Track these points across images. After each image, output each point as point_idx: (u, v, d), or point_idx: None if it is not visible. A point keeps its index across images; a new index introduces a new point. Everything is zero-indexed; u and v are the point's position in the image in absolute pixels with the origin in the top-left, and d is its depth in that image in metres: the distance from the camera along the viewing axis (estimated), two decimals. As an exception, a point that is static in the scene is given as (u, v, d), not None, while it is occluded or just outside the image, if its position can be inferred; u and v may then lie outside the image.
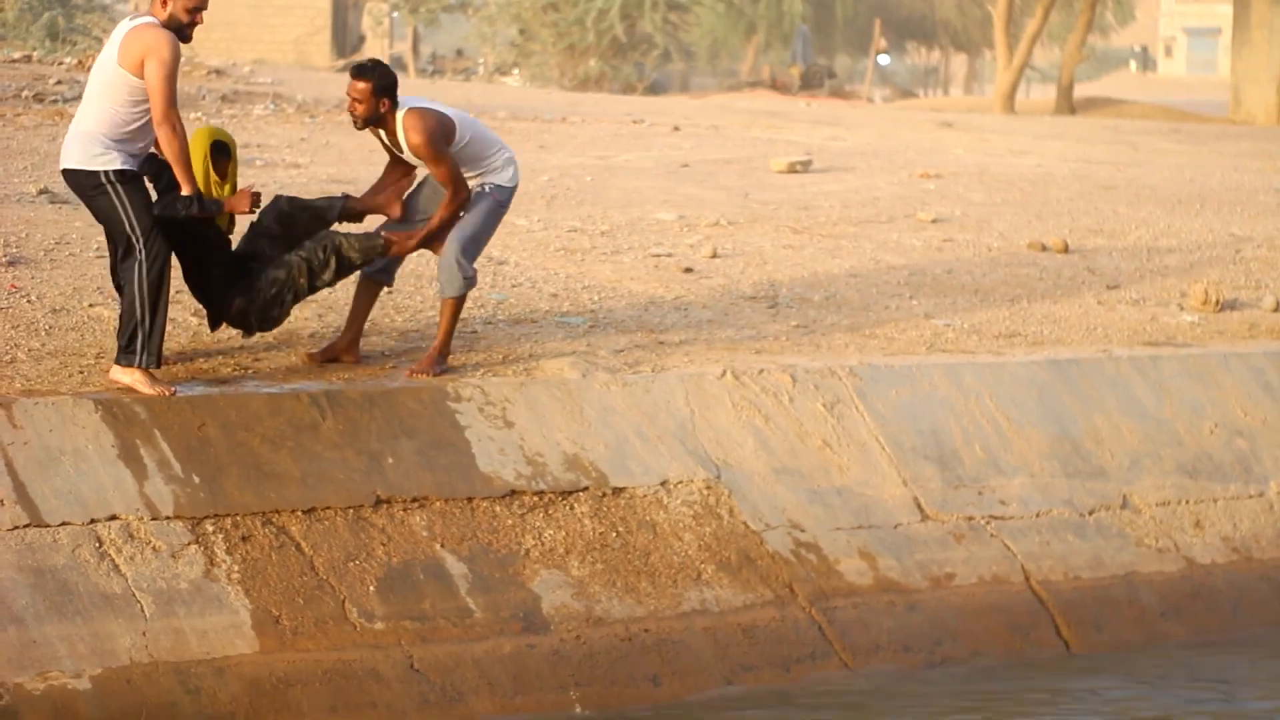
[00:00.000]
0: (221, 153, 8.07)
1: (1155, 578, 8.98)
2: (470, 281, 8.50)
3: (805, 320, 10.12)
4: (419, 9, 50.08)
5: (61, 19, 30.68)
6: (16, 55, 22.03)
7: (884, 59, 60.31)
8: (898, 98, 51.37)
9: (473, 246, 8.52)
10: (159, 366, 7.94)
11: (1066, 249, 12.66)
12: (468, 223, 8.50)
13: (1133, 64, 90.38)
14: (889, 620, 8.28)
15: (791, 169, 16.35)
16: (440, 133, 8.31)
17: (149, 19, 7.84)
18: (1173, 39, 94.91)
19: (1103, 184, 16.49)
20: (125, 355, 7.85)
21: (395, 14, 51.69)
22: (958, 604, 8.48)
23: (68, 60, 21.76)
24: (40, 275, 9.55)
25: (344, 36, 53.71)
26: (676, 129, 20.30)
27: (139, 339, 7.82)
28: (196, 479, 7.54)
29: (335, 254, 8.29)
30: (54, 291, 9.24)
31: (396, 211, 8.59)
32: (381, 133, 8.42)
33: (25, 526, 7.17)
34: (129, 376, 7.84)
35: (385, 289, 8.93)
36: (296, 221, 8.42)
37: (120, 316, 7.89)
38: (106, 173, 7.80)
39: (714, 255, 11.65)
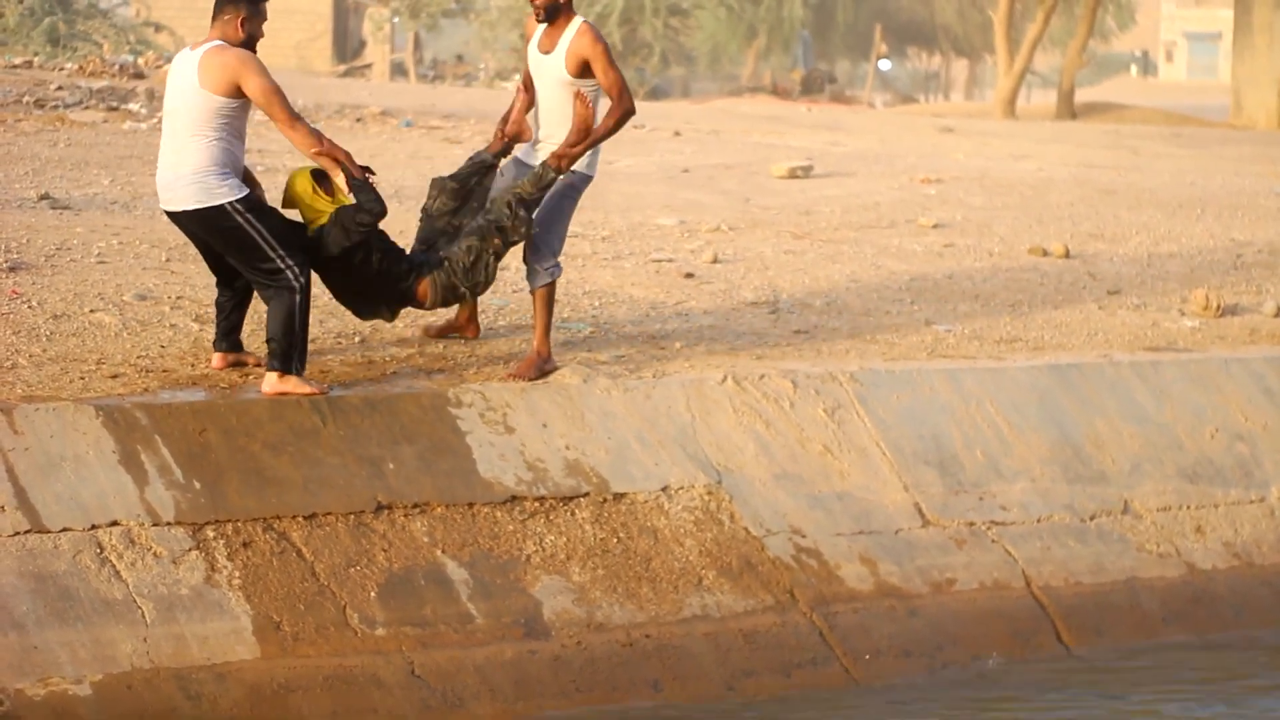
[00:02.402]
0: (323, 180, 8.19)
1: (1156, 583, 8.97)
2: (553, 269, 8.61)
3: (806, 325, 10.12)
4: (420, 14, 50.12)
5: (62, 25, 30.69)
6: (17, 61, 22.07)
7: (885, 64, 60.35)
8: (898, 103, 51.43)
9: (548, 235, 8.60)
10: (304, 371, 8.12)
11: (1067, 254, 12.66)
12: (540, 212, 8.58)
13: (1133, 69, 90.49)
14: (890, 625, 8.28)
15: (792, 174, 16.36)
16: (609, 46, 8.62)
17: (217, 43, 7.93)
18: (1173, 44, 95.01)
19: (1104, 189, 16.49)
20: (278, 360, 7.98)
21: (396, 19, 51.70)
22: (959, 609, 8.47)
23: (68, 66, 21.78)
24: (41, 281, 9.55)
25: (345, 42, 53.78)
26: (677, 134, 20.31)
27: (295, 351, 8.00)
28: (197, 485, 7.54)
29: (519, 204, 8.47)
30: (55, 297, 9.24)
31: (530, 134, 8.78)
32: (537, 39, 8.62)
33: (26, 532, 7.17)
34: (287, 384, 7.99)
35: None
36: (469, 188, 8.72)
37: (270, 329, 7.98)
38: (232, 204, 7.91)
39: (715, 260, 11.65)
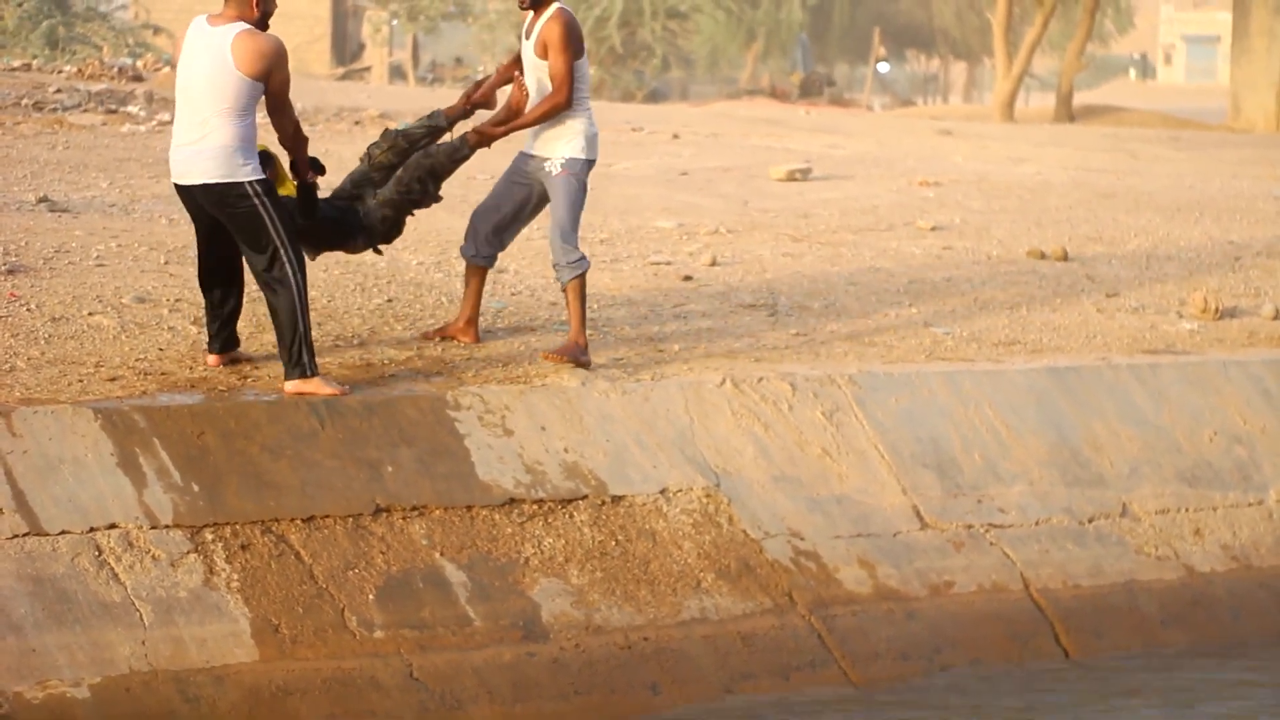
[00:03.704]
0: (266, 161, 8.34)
1: (1155, 585, 8.97)
2: (581, 263, 8.76)
3: (804, 328, 10.12)
4: (418, 17, 50.15)
5: (61, 28, 30.68)
6: (16, 64, 22.07)
7: (883, 67, 60.34)
8: (897, 106, 51.45)
9: (570, 229, 8.77)
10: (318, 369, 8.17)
11: (1066, 257, 12.66)
12: (556, 208, 8.78)
13: (1132, 72, 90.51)
14: (888, 628, 8.28)
15: (791, 177, 16.35)
16: (578, 33, 8.71)
17: (244, 25, 7.99)
18: (1172, 46, 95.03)
19: (1102, 192, 16.49)
20: (297, 369, 8.04)
21: (395, 22, 51.71)
22: (957, 612, 8.47)
23: (67, 69, 21.78)
24: (40, 284, 9.55)
25: (343, 45, 53.78)
26: (676, 137, 20.31)
27: (305, 350, 8.04)
28: (196, 487, 7.54)
29: (429, 175, 8.80)
30: (53, 300, 9.24)
31: (495, 104, 9.00)
32: (525, 27, 8.83)
33: (25, 535, 7.17)
34: (309, 385, 8.04)
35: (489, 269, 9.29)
36: (417, 148, 8.88)
37: (280, 330, 8.05)
38: (253, 183, 8.00)
39: (713, 263, 11.65)
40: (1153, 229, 14.22)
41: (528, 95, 8.74)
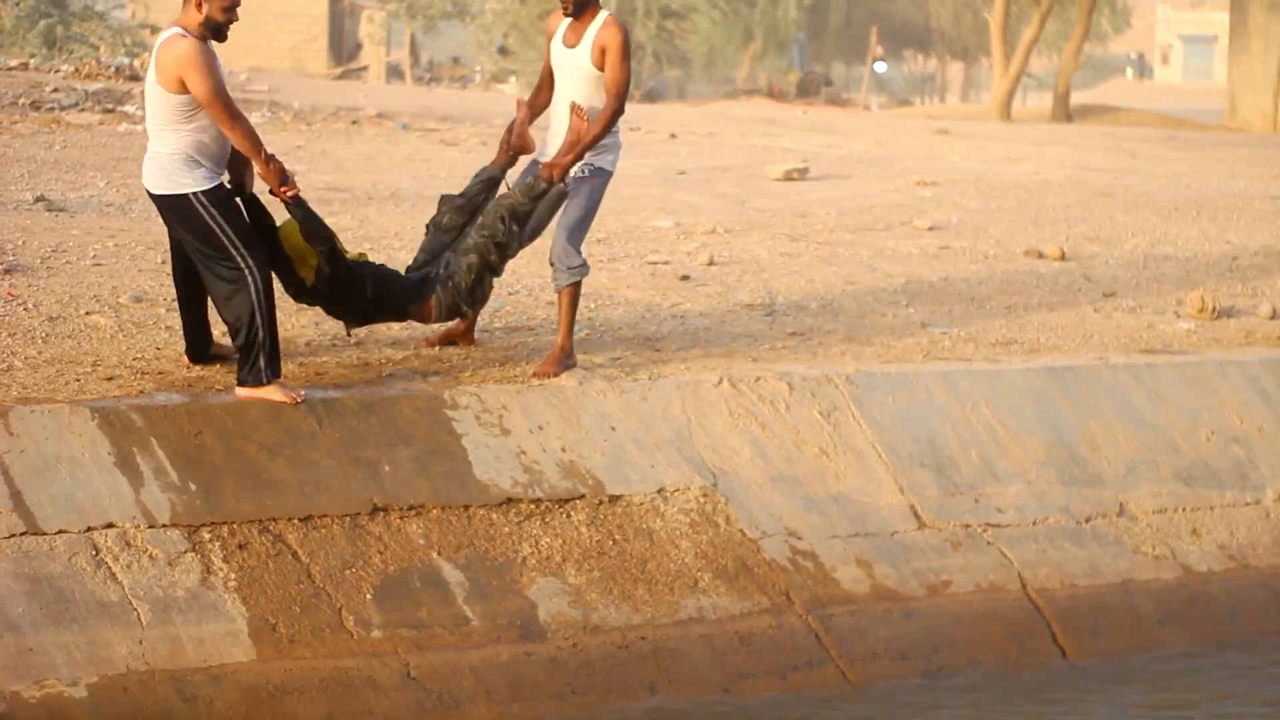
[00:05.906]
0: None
1: (1152, 585, 8.98)
2: (581, 270, 8.71)
3: (802, 328, 10.12)
4: (416, 16, 50.15)
5: (59, 26, 30.66)
6: (13, 63, 22.07)
7: (880, 66, 60.37)
8: (894, 105, 51.47)
9: (578, 233, 8.72)
10: (280, 373, 8.01)
11: (1063, 256, 12.66)
12: (571, 211, 8.70)
13: (1129, 71, 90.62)
14: (886, 628, 8.28)
15: (788, 176, 16.36)
16: (631, 42, 8.63)
17: (176, 30, 7.80)
18: (1169, 46, 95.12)
19: (1099, 191, 16.51)
20: (251, 375, 7.91)
21: (396, 22, 51.72)
22: (954, 612, 8.47)
23: (64, 68, 21.78)
24: (37, 283, 9.55)
25: (341, 44, 53.76)
26: (673, 136, 20.32)
27: (263, 356, 7.90)
28: (193, 487, 7.54)
29: (511, 216, 8.60)
30: (50, 299, 9.24)
31: (533, 147, 8.88)
32: (561, 32, 8.66)
33: (22, 534, 7.17)
34: (260, 392, 7.92)
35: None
36: (476, 205, 8.77)
37: (235, 337, 7.92)
38: (196, 194, 7.85)
39: (711, 263, 11.65)
40: (1150, 228, 14.23)
41: (587, 122, 8.56)
